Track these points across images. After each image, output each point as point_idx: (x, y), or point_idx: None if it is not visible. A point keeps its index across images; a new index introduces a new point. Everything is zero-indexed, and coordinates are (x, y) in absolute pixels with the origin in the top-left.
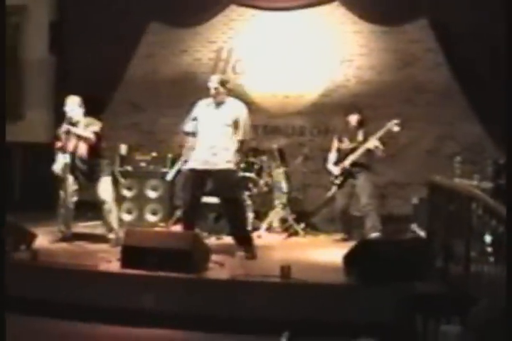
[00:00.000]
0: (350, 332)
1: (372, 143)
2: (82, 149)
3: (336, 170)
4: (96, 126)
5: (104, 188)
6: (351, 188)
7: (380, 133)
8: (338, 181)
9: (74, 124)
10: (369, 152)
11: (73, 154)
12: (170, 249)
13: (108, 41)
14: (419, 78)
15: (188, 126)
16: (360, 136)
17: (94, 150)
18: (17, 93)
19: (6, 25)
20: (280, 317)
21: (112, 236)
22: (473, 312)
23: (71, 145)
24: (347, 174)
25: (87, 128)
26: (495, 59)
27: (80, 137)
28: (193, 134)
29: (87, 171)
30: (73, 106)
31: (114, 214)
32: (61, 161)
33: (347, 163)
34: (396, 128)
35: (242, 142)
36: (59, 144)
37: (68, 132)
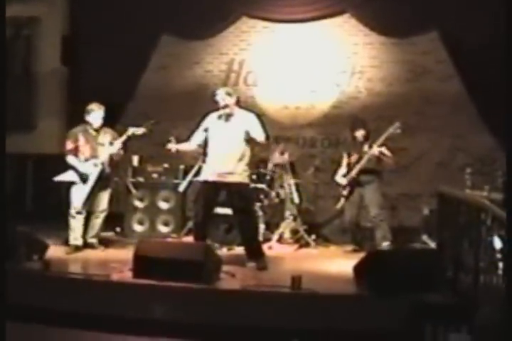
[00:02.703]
0: None
1: (376, 149)
2: (106, 158)
3: (343, 181)
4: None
5: (108, 198)
6: (359, 199)
7: (383, 137)
8: (345, 192)
9: (97, 132)
10: (378, 161)
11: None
12: (181, 260)
13: (120, 53)
14: (430, 90)
15: (198, 138)
16: (366, 148)
17: (111, 160)
18: (29, 104)
19: (19, 37)
20: (290, 327)
21: (94, 240)
22: (478, 318)
23: (91, 150)
24: (354, 184)
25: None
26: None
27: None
28: (203, 145)
29: (102, 179)
30: (100, 114)
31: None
32: (84, 165)
33: (354, 172)
34: (399, 131)
35: (262, 144)
36: (71, 145)
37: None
